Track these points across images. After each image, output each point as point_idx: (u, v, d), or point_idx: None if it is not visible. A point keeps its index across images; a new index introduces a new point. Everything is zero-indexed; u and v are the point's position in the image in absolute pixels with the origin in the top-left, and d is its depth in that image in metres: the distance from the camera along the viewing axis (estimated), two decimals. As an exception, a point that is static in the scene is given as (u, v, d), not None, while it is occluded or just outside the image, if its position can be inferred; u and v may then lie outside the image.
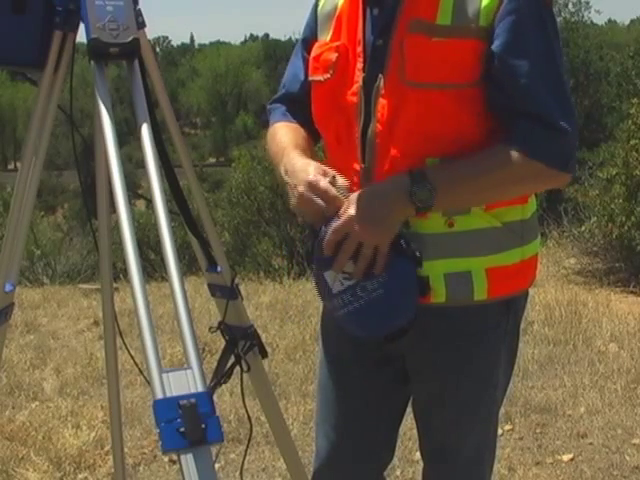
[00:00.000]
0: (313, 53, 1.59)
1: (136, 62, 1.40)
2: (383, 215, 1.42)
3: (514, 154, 1.41)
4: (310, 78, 1.59)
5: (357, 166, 1.50)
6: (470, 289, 1.49)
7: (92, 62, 1.36)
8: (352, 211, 1.42)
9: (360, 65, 1.50)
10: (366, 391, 1.66)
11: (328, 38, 1.57)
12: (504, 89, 1.42)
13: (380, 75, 1.46)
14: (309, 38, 1.64)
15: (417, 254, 1.45)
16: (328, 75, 1.53)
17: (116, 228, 1.35)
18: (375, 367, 1.65)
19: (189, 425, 1.07)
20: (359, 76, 1.49)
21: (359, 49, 1.51)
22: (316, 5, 1.64)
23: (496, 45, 1.40)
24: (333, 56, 1.53)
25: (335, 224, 1.43)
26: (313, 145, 1.64)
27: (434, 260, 1.47)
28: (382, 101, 1.46)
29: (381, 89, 1.46)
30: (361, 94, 1.48)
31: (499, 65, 1.40)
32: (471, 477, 1.67)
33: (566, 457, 3.02)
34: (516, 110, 1.42)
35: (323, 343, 1.73)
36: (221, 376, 1.67)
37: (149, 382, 1.12)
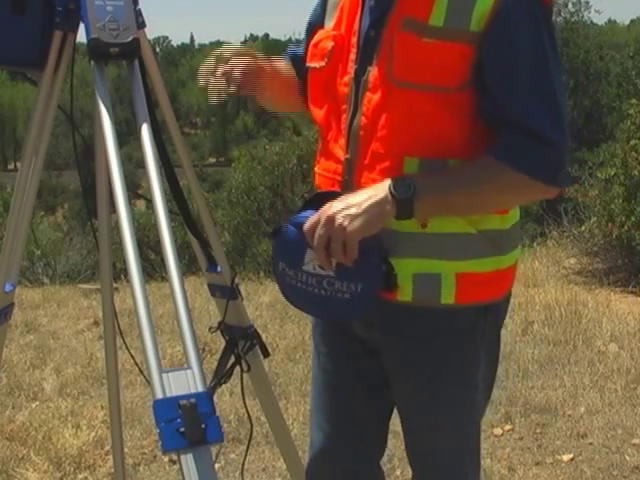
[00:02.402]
0: (315, 39, 1.60)
1: (136, 62, 1.41)
2: (359, 205, 1.37)
3: (497, 165, 1.39)
4: (307, 64, 1.61)
5: (342, 156, 1.50)
6: (437, 292, 1.47)
7: (92, 62, 1.36)
8: (332, 205, 1.38)
9: (353, 56, 1.50)
10: (355, 383, 1.66)
11: (331, 26, 1.58)
12: (493, 97, 1.39)
13: (369, 68, 1.46)
14: (313, 23, 1.66)
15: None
16: (323, 63, 1.55)
17: (116, 228, 1.35)
18: (362, 359, 1.64)
19: (189, 425, 1.07)
20: (351, 67, 1.50)
21: (354, 40, 1.51)
22: None
23: (487, 53, 1.37)
24: (329, 45, 1.54)
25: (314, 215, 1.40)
26: (296, 91, 1.74)
27: (405, 259, 1.46)
28: (369, 94, 1.46)
29: (369, 82, 1.46)
30: (352, 85, 1.49)
31: (489, 73, 1.38)
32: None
33: (566, 457, 3.01)
34: (503, 119, 1.40)
35: (314, 335, 1.73)
36: (221, 376, 1.67)
37: (149, 382, 1.12)
